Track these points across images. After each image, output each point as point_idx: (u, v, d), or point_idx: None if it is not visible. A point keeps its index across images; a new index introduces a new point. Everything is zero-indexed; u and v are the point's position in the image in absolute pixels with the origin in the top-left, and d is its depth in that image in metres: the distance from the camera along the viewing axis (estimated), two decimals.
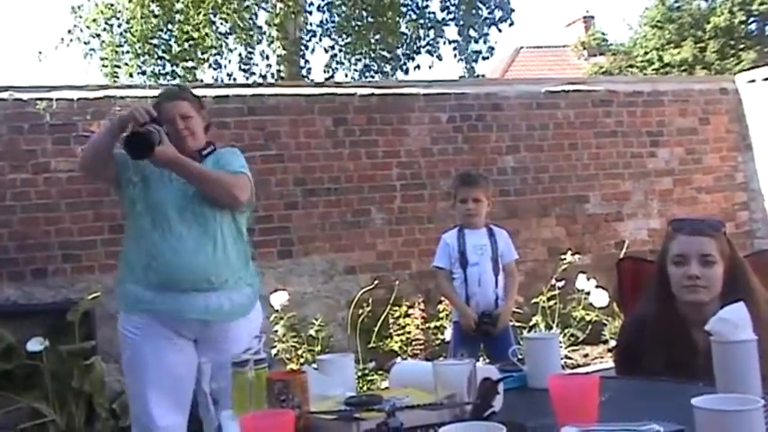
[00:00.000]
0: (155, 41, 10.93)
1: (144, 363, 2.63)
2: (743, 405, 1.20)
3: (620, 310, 2.82)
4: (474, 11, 11.47)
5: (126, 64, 10.83)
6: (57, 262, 4.78)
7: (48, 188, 4.81)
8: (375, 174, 5.53)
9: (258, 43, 11.06)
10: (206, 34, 10.43)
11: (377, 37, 11.40)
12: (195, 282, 2.59)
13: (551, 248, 5.84)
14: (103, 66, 10.82)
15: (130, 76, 10.68)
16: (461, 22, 11.54)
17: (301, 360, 4.89)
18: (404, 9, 11.73)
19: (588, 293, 5.40)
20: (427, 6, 11.80)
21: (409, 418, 1.42)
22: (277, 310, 4.91)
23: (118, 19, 10.94)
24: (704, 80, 7.97)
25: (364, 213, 5.49)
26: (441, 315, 5.27)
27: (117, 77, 10.73)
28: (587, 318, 5.43)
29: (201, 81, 10.33)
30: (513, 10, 11.55)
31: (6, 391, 4.25)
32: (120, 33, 10.95)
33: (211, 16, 10.56)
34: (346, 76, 11.69)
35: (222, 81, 10.60)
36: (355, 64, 11.75)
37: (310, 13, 11.72)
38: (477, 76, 11.70)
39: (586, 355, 5.40)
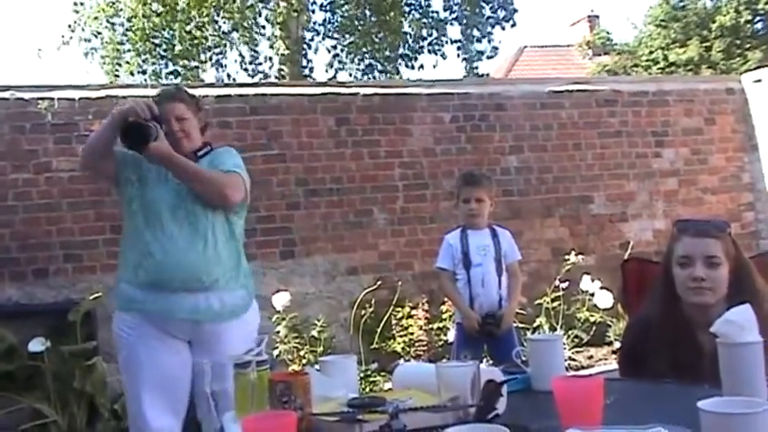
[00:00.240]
0: (156, 40, 10.95)
1: (138, 363, 2.63)
2: (749, 408, 1.20)
3: (625, 312, 2.81)
4: (477, 10, 11.48)
5: (127, 62, 10.85)
6: (58, 262, 4.79)
7: (49, 188, 4.81)
8: (377, 174, 5.53)
9: (260, 43, 11.09)
10: (208, 34, 10.45)
11: (380, 36, 11.41)
12: (185, 281, 2.58)
13: (555, 249, 5.83)
14: (104, 63, 10.85)
15: (131, 74, 10.71)
16: (464, 22, 11.55)
17: (303, 361, 4.89)
18: (407, 8, 11.74)
19: (592, 295, 5.39)
20: (430, 5, 11.82)
21: (412, 421, 1.42)
22: (279, 311, 4.91)
23: (120, 17, 10.96)
24: (710, 80, 7.97)
25: (367, 214, 5.49)
26: (444, 316, 5.26)
27: (118, 76, 10.75)
28: (591, 319, 5.42)
29: (203, 81, 10.34)
30: (516, 10, 11.58)
31: (8, 391, 4.26)
32: (123, 33, 10.97)
33: (214, 15, 10.58)
34: (350, 75, 11.71)
35: (224, 81, 10.61)
36: (358, 63, 11.77)
37: (313, 11, 11.74)
38: (481, 75, 11.71)
39: (591, 357, 5.39)
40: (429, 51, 11.75)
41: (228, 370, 1.72)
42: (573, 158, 6.03)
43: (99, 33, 10.93)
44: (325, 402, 1.58)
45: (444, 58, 11.85)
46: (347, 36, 11.71)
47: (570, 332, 5.41)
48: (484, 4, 11.53)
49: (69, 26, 10.77)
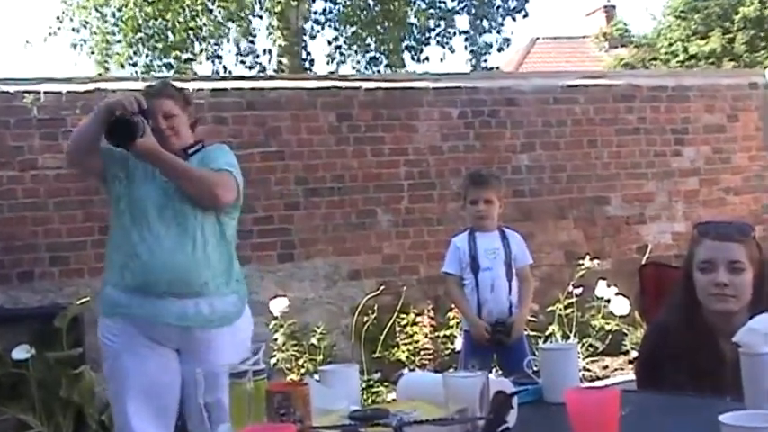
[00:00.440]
0: (149, 30, 10.96)
1: (124, 371, 2.63)
2: None
3: (642, 319, 2.81)
4: (487, 0, 11.48)
5: (117, 54, 10.85)
6: (44, 264, 4.80)
7: (35, 186, 4.83)
8: (381, 172, 5.53)
9: (257, 34, 11.10)
10: (203, 24, 10.46)
11: (384, 27, 11.40)
12: (172, 283, 2.57)
13: (568, 253, 5.83)
14: (92, 53, 10.85)
15: (122, 66, 10.72)
16: (473, 12, 11.55)
17: (302, 371, 4.90)
18: None
19: (608, 301, 5.39)
20: None
21: None
22: (277, 317, 4.92)
23: (109, 6, 10.97)
24: (732, 74, 7.95)
25: (369, 214, 5.49)
26: (451, 323, 5.27)
27: (107, 68, 10.76)
28: (607, 327, 5.42)
29: (197, 74, 10.35)
30: (527, 0, 11.56)
31: None
32: (114, 23, 10.98)
33: (209, 3, 10.59)
34: (353, 68, 11.71)
35: (219, 73, 10.62)
36: (361, 56, 11.77)
37: (313, 1, 11.74)
38: (491, 68, 11.70)
39: (606, 367, 5.39)
40: (436, 43, 11.75)
41: (221, 379, 1.72)
42: (588, 157, 6.03)
43: (87, 23, 10.94)
44: (325, 414, 1.58)
45: (452, 51, 11.87)
46: (349, 27, 11.71)
47: (584, 341, 5.41)
48: None
49: (58, 17, 10.79)
